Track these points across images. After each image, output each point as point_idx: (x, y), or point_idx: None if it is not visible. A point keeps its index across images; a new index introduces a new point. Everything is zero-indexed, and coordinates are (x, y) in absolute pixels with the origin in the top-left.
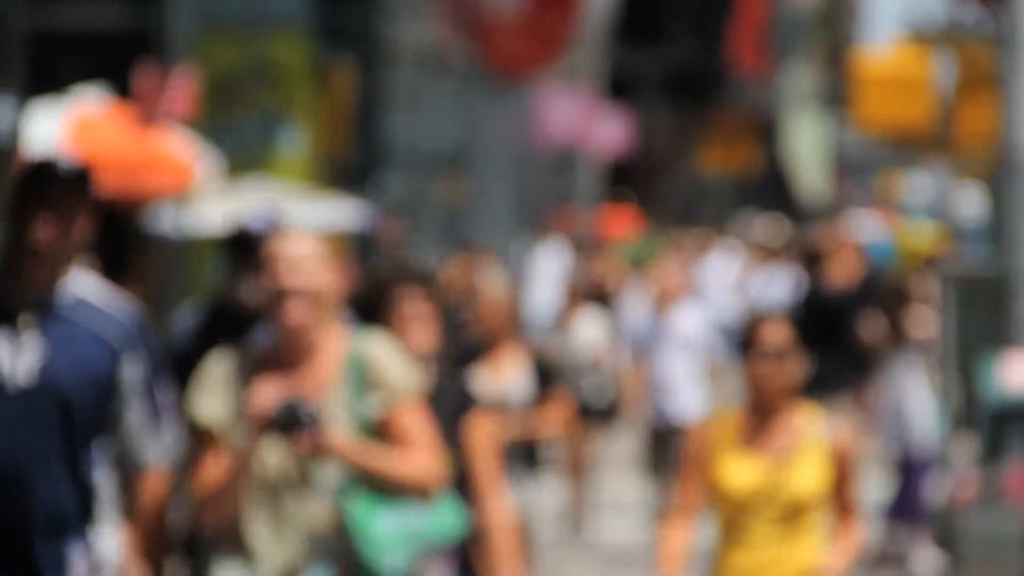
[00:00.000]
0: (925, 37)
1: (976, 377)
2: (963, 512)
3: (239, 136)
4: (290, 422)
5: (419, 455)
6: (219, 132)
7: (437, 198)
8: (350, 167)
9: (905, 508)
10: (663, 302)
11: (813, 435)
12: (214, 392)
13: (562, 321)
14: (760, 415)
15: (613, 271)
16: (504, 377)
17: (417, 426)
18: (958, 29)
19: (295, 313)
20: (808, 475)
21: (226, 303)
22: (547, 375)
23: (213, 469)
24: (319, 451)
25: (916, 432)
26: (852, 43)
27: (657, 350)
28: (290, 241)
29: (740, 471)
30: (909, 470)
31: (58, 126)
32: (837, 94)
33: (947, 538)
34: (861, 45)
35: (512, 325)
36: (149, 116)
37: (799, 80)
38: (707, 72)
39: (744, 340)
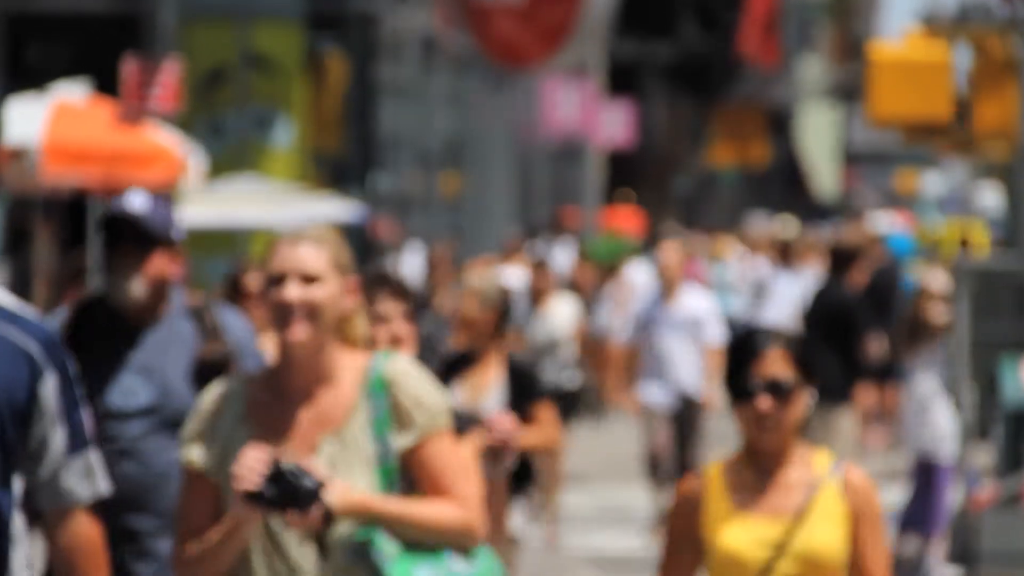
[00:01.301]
0: (940, 27)
1: (996, 378)
2: (981, 520)
3: (228, 129)
4: (286, 497)
5: (459, 498)
6: (208, 125)
7: (434, 193)
8: (343, 160)
9: (921, 516)
10: (668, 286)
11: (826, 485)
12: (204, 430)
13: (535, 306)
14: (759, 463)
15: (584, 267)
16: (483, 391)
17: (454, 461)
18: (974, 18)
19: (301, 331)
20: (823, 534)
21: (95, 300)
22: (527, 387)
23: (199, 520)
24: (326, 526)
25: (935, 438)
26: (865, 35)
27: (660, 333)
28: (298, 246)
29: (741, 533)
30: (926, 477)
31: (40, 117)
32: (850, 87)
33: (964, 546)
34: (875, 37)
35: (494, 333)
36: (135, 108)
37: (811, 73)
38: (715, 64)
39: (736, 371)
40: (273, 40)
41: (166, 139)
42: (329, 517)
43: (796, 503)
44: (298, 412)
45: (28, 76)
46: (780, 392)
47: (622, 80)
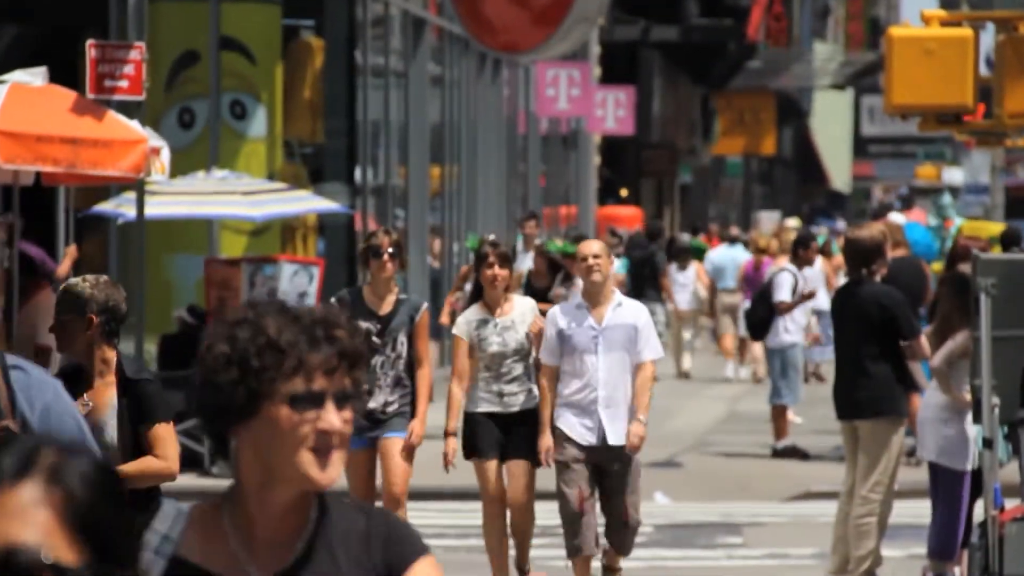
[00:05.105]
0: (961, 11)
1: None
2: (1004, 537)
3: (198, 117)
4: None
5: None
6: (176, 112)
7: (421, 185)
8: (323, 150)
9: (943, 533)
10: (592, 294)
11: None
12: None
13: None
14: None
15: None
16: (103, 410)
17: None
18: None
19: None
20: None
21: None
22: (144, 408)
23: None
24: None
25: (960, 448)
26: (883, 19)
27: (583, 355)
28: None
29: None
30: (948, 489)
31: None
32: (867, 75)
33: (989, 566)
34: (893, 22)
35: (98, 342)
36: (98, 95)
37: (824, 60)
38: (722, 49)
39: None
40: (247, 22)
41: (131, 127)
42: None
43: None
44: None
45: None
46: None
47: (622, 65)
